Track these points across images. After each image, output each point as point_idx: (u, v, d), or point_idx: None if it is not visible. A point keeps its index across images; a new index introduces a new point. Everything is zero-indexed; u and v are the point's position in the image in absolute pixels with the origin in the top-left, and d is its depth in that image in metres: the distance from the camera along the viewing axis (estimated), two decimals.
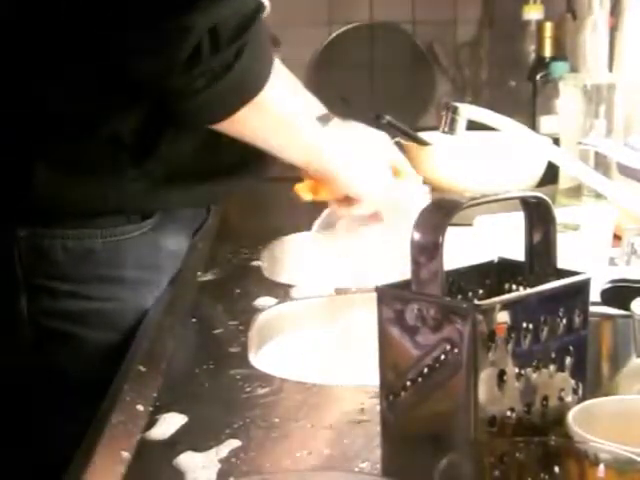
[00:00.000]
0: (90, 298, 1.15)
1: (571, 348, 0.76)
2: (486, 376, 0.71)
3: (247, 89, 1.10)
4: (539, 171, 1.70)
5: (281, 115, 1.16)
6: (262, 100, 1.11)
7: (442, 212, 0.73)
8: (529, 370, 0.74)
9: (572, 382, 0.77)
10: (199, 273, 1.35)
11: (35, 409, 1.16)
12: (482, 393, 0.71)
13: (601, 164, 1.61)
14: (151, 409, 0.90)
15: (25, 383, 1.15)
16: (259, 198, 1.87)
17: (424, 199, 1.31)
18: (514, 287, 0.80)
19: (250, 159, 1.21)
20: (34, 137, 1.13)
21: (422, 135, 1.74)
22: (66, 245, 1.14)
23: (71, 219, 1.14)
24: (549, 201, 0.78)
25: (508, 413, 0.73)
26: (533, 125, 1.90)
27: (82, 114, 1.12)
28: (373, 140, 1.28)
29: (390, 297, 0.74)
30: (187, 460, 0.80)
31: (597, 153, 1.61)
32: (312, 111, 1.21)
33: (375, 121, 1.73)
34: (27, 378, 1.15)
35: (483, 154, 1.68)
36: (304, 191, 1.27)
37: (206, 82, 1.05)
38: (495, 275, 0.81)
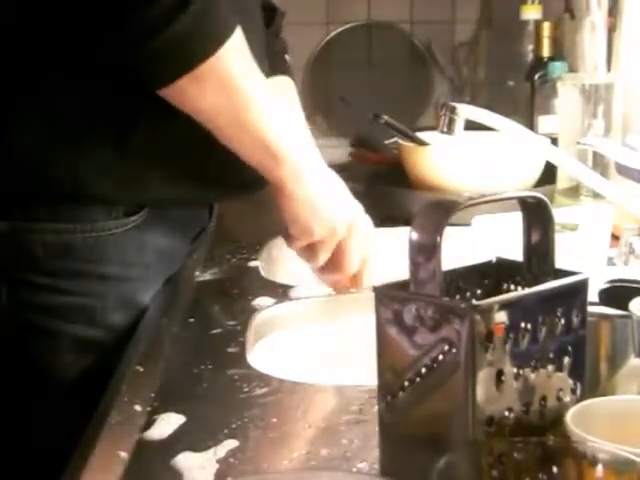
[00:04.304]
0: (69, 293, 1.14)
1: (569, 348, 0.76)
2: (484, 376, 0.71)
3: (192, 49, 1.02)
4: (537, 171, 1.71)
5: (235, 93, 1.06)
6: (212, 70, 1.03)
7: (440, 212, 0.73)
8: (527, 370, 0.74)
9: (570, 382, 0.77)
10: (197, 273, 1.35)
11: (22, 406, 1.16)
12: (480, 393, 0.71)
13: (599, 164, 1.61)
14: (149, 409, 0.90)
15: (7, 380, 1.15)
16: (257, 198, 1.87)
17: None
18: (512, 287, 0.80)
19: (245, 168, 1.17)
20: (7, 121, 1.13)
21: (420, 135, 1.74)
22: (45, 240, 1.13)
23: (49, 210, 1.13)
24: (547, 201, 0.78)
25: (506, 413, 0.73)
26: (531, 125, 1.90)
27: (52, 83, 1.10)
28: (350, 202, 1.19)
29: (388, 297, 0.74)
30: (185, 460, 0.79)
31: (595, 153, 1.61)
32: (284, 116, 1.12)
33: (374, 121, 1.73)
34: (8, 373, 1.15)
35: (481, 154, 1.68)
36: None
37: (145, 31, 0.99)
38: (493, 275, 0.81)
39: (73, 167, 1.12)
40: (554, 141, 1.66)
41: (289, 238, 1.20)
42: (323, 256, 1.19)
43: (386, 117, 1.70)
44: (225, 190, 1.23)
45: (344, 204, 1.19)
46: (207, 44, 1.03)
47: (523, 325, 0.73)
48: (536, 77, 2.01)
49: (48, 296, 1.14)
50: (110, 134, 1.12)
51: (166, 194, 1.17)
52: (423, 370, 0.72)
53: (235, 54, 1.06)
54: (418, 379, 0.73)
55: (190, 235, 1.30)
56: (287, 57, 1.42)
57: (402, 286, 0.74)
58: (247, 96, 1.07)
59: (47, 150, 1.12)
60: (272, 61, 1.29)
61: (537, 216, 0.79)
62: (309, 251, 1.20)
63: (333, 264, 1.20)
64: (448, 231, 0.72)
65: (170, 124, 1.11)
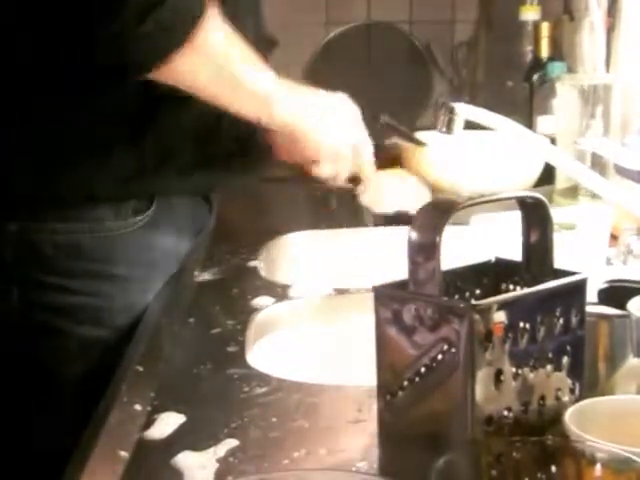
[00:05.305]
0: (78, 293, 1.15)
1: (568, 348, 0.77)
2: (483, 375, 0.71)
3: (179, 27, 1.08)
4: (536, 171, 1.71)
5: (222, 60, 1.13)
6: (200, 42, 1.09)
7: (439, 212, 0.73)
8: (526, 370, 0.74)
9: (569, 382, 0.77)
10: (197, 273, 1.35)
11: (26, 405, 1.16)
12: (479, 392, 0.71)
13: (598, 164, 1.61)
14: (149, 409, 0.90)
15: (14, 378, 1.15)
16: (257, 198, 1.87)
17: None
18: (511, 287, 0.81)
19: (247, 152, 1.21)
20: (16, 122, 1.13)
21: (419, 135, 1.74)
22: (55, 240, 1.14)
23: (58, 210, 1.14)
24: (546, 201, 0.79)
25: (505, 412, 0.73)
26: (530, 125, 1.90)
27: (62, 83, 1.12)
28: (341, 106, 1.29)
29: (387, 297, 0.75)
30: (185, 460, 0.80)
31: (594, 153, 1.62)
32: (261, 66, 1.18)
33: (373, 121, 1.73)
34: (15, 372, 1.15)
35: (480, 154, 1.68)
36: None
37: (136, 16, 1.04)
38: (492, 275, 0.82)
39: (83, 168, 1.13)
40: (553, 141, 1.66)
41: (315, 168, 1.27)
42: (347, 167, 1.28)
43: (386, 117, 1.70)
44: (228, 175, 1.25)
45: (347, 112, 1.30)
46: (189, 20, 1.08)
47: (522, 325, 0.73)
48: (535, 77, 2.01)
49: (57, 296, 1.14)
50: (119, 135, 1.13)
51: (170, 187, 1.19)
52: (422, 370, 0.73)
53: (215, 26, 1.11)
54: (417, 379, 0.73)
55: (193, 231, 1.31)
56: None
57: (401, 286, 0.74)
58: (238, 63, 1.14)
59: (56, 152, 1.12)
60: None
61: (536, 216, 0.79)
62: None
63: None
64: (447, 231, 0.72)
65: (176, 123, 1.13)
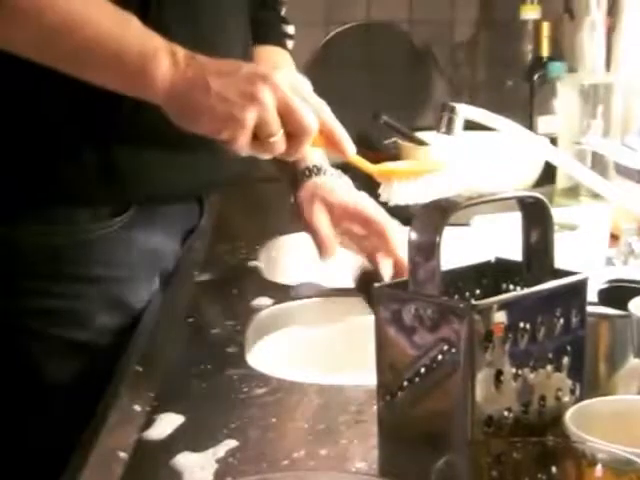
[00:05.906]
0: (57, 296, 1.14)
1: (568, 348, 0.76)
2: (483, 376, 0.71)
3: None
4: (536, 171, 1.71)
5: (55, 21, 0.99)
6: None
7: (440, 212, 0.73)
8: (526, 370, 0.74)
9: (569, 382, 0.77)
10: (196, 273, 1.35)
11: (18, 407, 1.16)
12: (479, 393, 0.71)
13: (598, 164, 1.62)
14: (148, 409, 0.90)
15: (2, 382, 1.15)
16: (256, 198, 1.87)
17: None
18: (511, 287, 0.80)
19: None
20: None
21: (419, 135, 1.74)
22: (33, 243, 1.13)
23: (34, 214, 1.13)
24: (546, 201, 0.79)
25: (505, 413, 0.73)
26: (530, 125, 1.90)
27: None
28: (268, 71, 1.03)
29: (387, 297, 0.74)
30: (184, 460, 0.80)
31: (594, 153, 1.62)
32: (132, 26, 1.01)
33: (373, 121, 1.74)
34: (2, 376, 1.15)
35: (480, 154, 1.68)
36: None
37: None
38: (492, 275, 0.82)
39: (57, 169, 1.12)
40: (553, 141, 1.66)
41: (230, 145, 1.00)
42: (274, 131, 1.01)
43: (385, 117, 1.70)
44: (213, 181, 1.22)
45: (239, 70, 1.02)
46: None
47: (522, 325, 0.73)
48: (535, 77, 2.01)
49: (35, 300, 1.13)
50: (91, 136, 1.11)
51: (154, 189, 1.17)
52: (422, 370, 0.72)
53: None
54: (417, 379, 0.73)
55: (179, 232, 1.29)
56: (288, 28, 1.41)
57: (401, 286, 0.74)
58: (73, 21, 1.00)
59: (31, 153, 1.12)
60: (262, 31, 1.30)
61: (536, 216, 0.79)
62: (259, 144, 1.01)
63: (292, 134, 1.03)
64: (447, 231, 0.72)
65: (151, 119, 1.06)
